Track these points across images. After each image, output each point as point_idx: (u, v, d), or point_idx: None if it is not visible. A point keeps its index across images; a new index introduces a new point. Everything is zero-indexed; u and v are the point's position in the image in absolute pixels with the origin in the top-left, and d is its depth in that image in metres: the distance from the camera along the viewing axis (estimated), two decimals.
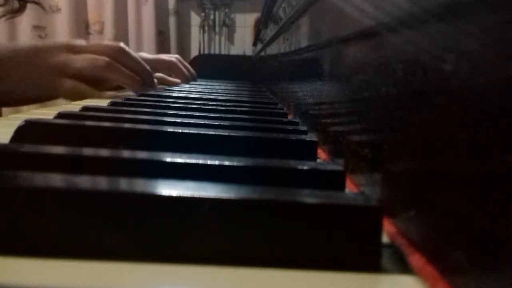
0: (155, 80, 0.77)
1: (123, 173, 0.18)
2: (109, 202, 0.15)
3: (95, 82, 0.65)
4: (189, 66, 1.07)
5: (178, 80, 0.98)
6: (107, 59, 0.63)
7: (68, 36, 1.93)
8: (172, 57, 1.01)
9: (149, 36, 2.04)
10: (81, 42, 0.66)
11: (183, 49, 2.13)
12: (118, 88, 0.75)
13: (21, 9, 0.77)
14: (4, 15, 0.75)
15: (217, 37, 2.22)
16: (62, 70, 0.61)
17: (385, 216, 0.18)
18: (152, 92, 0.64)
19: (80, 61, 0.62)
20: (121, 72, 0.65)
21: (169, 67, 0.95)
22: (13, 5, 0.76)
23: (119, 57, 0.65)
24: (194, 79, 1.05)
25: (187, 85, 0.90)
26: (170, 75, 0.98)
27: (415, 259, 0.15)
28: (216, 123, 0.34)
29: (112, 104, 0.45)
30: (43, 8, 0.89)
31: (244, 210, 0.15)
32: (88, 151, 0.22)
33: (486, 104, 0.12)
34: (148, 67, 0.71)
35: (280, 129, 0.34)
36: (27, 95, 0.63)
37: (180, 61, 1.01)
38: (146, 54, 0.93)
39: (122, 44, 0.67)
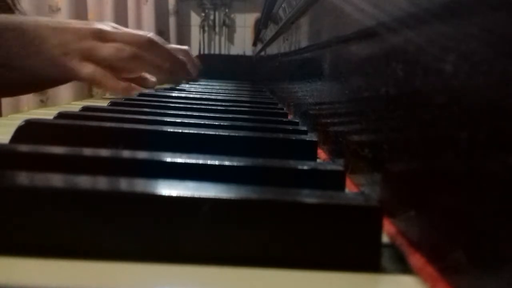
0: (152, 79, 0.75)
1: (123, 173, 0.18)
2: (109, 202, 0.15)
3: (119, 70, 0.63)
4: (195, 60, 1.06)
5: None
6: (133, 49, 0.61)
7: None
8: (183, 48, 1.00)
9: None
10: (110, 29, 0.63)
11: None
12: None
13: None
14: None
15: (217, 37, 2.22)
16: (87, 56, 0.60)
17: (385, 216, 0.18)
18: (152, 92, 0.64)
19: (106, 49, 0.60)
20: (146, 63, 0.63)
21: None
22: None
23: (147, 48, 0.63)
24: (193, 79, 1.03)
25: (187, 85, 0.90)
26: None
27: (415, 259, 0.15)
28: (216, 123, 0.34)
29: (112, 104, 0.45)
30: (13, 12, 0.86)
31: (244, 210, 0.15)
32: (88, 151, 0.22)
33: (486, 104, 0.12)
34: (180, 58, 0.68)
35: (280, 129, 0.34)
36: (45, 73, 0.60)
37: (189, 56, 1.00)
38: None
39: (151, 35, 0.65)
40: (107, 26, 0.63)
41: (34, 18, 0.64)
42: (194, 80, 1.00)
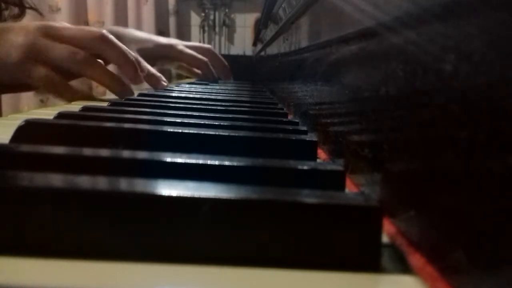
0: (162, 79, 0.72)
1: (123, 173, 0.18)
2: (109, 202, 0.15)
3: (69, 76, 0.58)
4: (223, 61, 1.04)
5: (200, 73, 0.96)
6: (86, 54, 0.55)
7: None
8: (206, 47, 0.98)
9: None
10: (59, 25, 0.57)
11: None
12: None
13: (21, 15, 0.76)
14: (5, 20, 0.74)
15: (217, 37, 2.22)
16: (36, 55, 0.54)
17: (385, 216, 0.18)
18: (152, 92, 0.64)
19: (57, 50, 0.54)
20: (101, 70, 0.57)
21: (199, 66, 0.93)
22: (14, 11, 0.75)
23: (100, 47, 0.57)
24: (216, 81, 0.99)
25: (186, 85, 0.90)
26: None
27: (415, 259, 0.15)
28: (216, 123, 0.34)
29: (112, 104, 0.45)
30: (40, 13, 0.85)
31: (244, 210, 0.15)
32: (88, 151, 0.22)
33: (486, 104, 0.12)
34: (132, 59, 0.60)
35: (280, 129, 0.34)
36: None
37: (214, 56, 0.98)
38: (181, 46, 0.88)
39: (104, 31, 0.58)
40: (58, 23, 0.58)
41: None
42: (216, 81, 0.98)
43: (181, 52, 0.87)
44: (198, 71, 0.96)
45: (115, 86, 0.59)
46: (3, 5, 0.72)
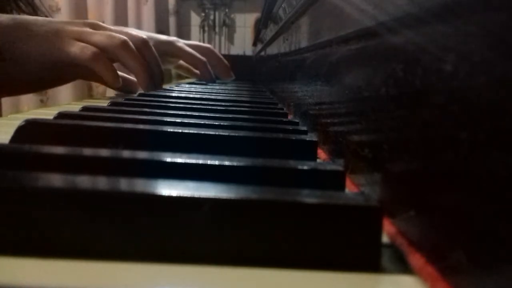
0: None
1: (123, 173, 0.18)
2: (109, 202, 0.15)
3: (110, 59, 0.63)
4: (223, 60, 1.04)
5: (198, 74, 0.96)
6: (125, 38, 0.60)
7: None
8: (205, 47, 0.98)
9: None
10: (106, 25, 0.64)
11: None
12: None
13: None
14: None
15: (217, 37, 2.22)
16: (77, 36, 0.59)
17: (385, 216, 0.18)
18: (152, 92, 0.64)
19: (98, 34, 0.60)
20: (135, 56, 0.62)
21: (197, 65, 0.93)
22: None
23: (139, 46, 0.63)
24: (213, 81, 1.00)
25: (186, 85, 0.90)
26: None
27: (415, 259, 0.15)
28: (216, 123, 0.34)
29: (112, 104, 0.45)
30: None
31: (244, 210, 0.15)
32: (88, 151, 0.22)
33: (486, 104, 0.12)
34: (163, 68, 0.68)
35: (280, 129, 0.34)
36: (40, 57, 0.59)
37: (213, 55, 0.98)
38: (181, 43, 0.88)
39: (145, 36, 0.65)
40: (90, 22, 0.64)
41: (29, 16, 0.65)
42: (214, 81, 0.97)
43: (180, 49, 0.87)
44: (197, 71, 0.95)
45: (143, 74, 0.63)
46: (14, 11, 0.73)
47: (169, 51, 0.86)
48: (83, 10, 2.02)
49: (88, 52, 0.58)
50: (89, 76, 0.67)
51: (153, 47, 0.66)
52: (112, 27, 0.64)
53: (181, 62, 0.93)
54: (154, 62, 0.66)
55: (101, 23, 0.63)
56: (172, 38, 0.89)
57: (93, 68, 0.59)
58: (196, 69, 0.94)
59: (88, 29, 0.60)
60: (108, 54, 0.60)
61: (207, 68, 0.93)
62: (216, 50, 1.03)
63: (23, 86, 0.65)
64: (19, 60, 0.58)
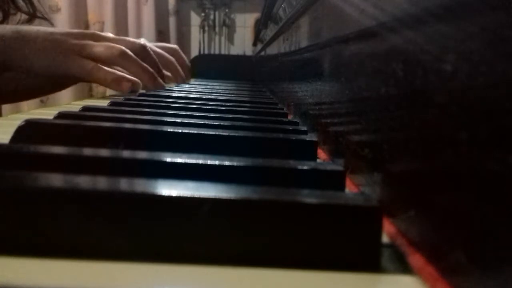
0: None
1: (123, 173, 0.18)
2: (109, 202, 0.15)
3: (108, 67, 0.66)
4: (186, 61, 1.05)
5: (171, 76, 0.96)
6: (122, 48, 0.63)
7: None
8: (172, 47, 0.99)
9: (149, 36, 2.04)
10: (106, 34, 0.67)
11: (183, 49, 2.12)
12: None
13: (29, 21, 0.78)
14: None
15: (217, 37, 2.22)
16: (78, 51, 0.61)
17: (385, 216, 0.18)
18: (152, 92, 0.64)
19: (97, 46, 0.62)
20: (135, 62, 0.65)
21: (166, 65, 0.93)
22: (22, 17, 0.77)
23: (138, 52, 0.66)
24: (184, 81, 1.02)
25: (186, 85, 0.90)
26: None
27: (415, 259, 0.15)
28: (216, 123, 0.34)
29: (112, 104, 0.45)
30: (51, 23, 0.88)
31: (244, 210, 0.15)
32: (88, 151, 0.22)
33: (486, 104, 0.12)
34: (151, 71, 0.70)
35: (280, 129, 0.34)
36: (46, 72, 0.62)
37: (179, 56, 0.99)
38: (149, 44, 0.90)
39: (143, 42, 0.68)
40: (106, 34, 0.67)
41: (31, 26, 0.66)
42: (184, 81, 0.97)
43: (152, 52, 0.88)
44: (167, 73, 0.95)
45: (147, 78, 0.67)
46: (12, 10, 0.74)
47: (138, 55, 0.87)
48: (83, 10, 2.02)
49: (88, 68, 0.61)
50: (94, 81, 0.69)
51: (150, 51, 0.69)
52: (111, 36, 0.67)
53: None
54: (153, 64, 0.69)
55: (100, 33, 0.66)
56: (140, 41, 0.89)
57: (95, 81, 0.62)
58: (167, 69, 0.93)
59: (88, 42, 0.62)
60: (109, 63, 0.63)
61: (177, 68, 0.94)
62: (181, 52, 1.03)
63: (23, 95, 0.67)
64: (22, 73, 0.60)
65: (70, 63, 0.61)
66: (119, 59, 0.63)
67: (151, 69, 0.68)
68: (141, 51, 0.68)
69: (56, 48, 0.60)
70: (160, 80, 0.70)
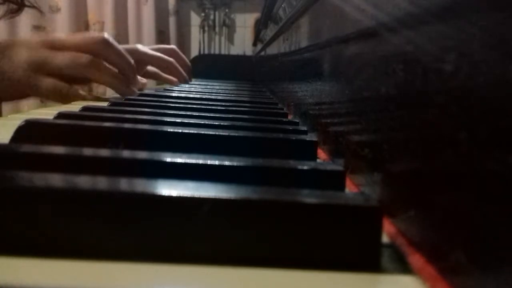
0: (143, 80, 0.72)
1: (123, 173, 0.18)
2: (109, 202, 0.15)
3: (76, 81, 0.61)
4: (186, 61, 1.04)
5: (174, 79, 0.93)
6: (89, 57, 0.57)
7: None
8: (170, 48, 0.97)
9: (149, 36, 2.04)
10: (60, 36, 0.60)
11: (183, 49, 2.12)
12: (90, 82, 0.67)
13: (18, 11, 0.76)
14: (3, 16, 0.74)
15: (217, 37, 2.22)
16: (40, 67, 0.56)
17: (385, 216, 0.18)
18: (152, 92, 0.64)
19: (60, 58, 0.56)
20: (105, 71, 0.59)
21: (167, 67, 0.92)
22: (11, 7, 0.75)
23: (102, 51, 0.59)
24: (187, 81, 1.00)
25: (186, 85, 0.90)
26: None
27: (415, 259, 0.15)
28: (216, 123, 0.34)
29: (112, 104, 0.45)
30: (40, 11, 0.85)
31: (244, 210, 0.15)
32: (88, 151, 0.22)
33: (486, 104, 0.12)
34: (132, 62, 0.63)
35: (280, 129, 0.34)
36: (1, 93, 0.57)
37: (178, 56, 0.97)
38: (145, 48, 0.88)
39: (105, 35, 0.60)
40: (60, 35, 0.61)
41: None
42: (186, 81, 0.96)
43: (145, 53, 0.84)
44: (166, 76, 0.93)
45: (120, 85, 0.61)
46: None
47: (134, 59, 0.85)
48: (83, 10, 2.02)
49: (62, 90, 0.56)
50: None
51: (114, 42, 0.61)
52: (67, 40, 0.59)
53: (148, 68, 0.89)
54: (119, 60, 0.61)
55: (54, 39, 0.59)
56: (134, 45, 0.86)
57: (61, 102, 0.57)
58: (165, 71, 0.92)
59: (45, 55, 0.56)
60: (78, 75, 0.58)
61: (178, 68, 0.92)
62: (179, 51, 1.02)
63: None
64: None
65: (37, 85, 0.55)
66: (86, 69, 0.57)
67: (120, 78, 0.61)
68: (103, 48, 0.59)
69: (11, 66, 0.55)
70: (131, 83, 0.63)
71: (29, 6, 0.77)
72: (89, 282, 0.13)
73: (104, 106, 0.42)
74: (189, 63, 1.05)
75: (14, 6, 0.74)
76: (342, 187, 0.22)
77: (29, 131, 0.27)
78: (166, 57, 0.89)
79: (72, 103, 0.56)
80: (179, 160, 0.21)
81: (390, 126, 0.20)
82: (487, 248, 0.12)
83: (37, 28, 1.93)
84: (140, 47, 0.84)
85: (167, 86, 0.83)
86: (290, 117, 0.47)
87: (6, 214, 0.14)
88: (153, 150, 0.22)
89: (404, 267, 0.15)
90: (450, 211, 0.14)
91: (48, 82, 0.56)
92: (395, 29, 0.20)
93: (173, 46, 1.01)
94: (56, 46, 0.57)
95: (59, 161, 0.21)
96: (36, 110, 0.50)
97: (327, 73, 0.34)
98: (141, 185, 0.16)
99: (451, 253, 0.13)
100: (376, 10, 0.23)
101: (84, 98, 0.59)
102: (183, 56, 1.03)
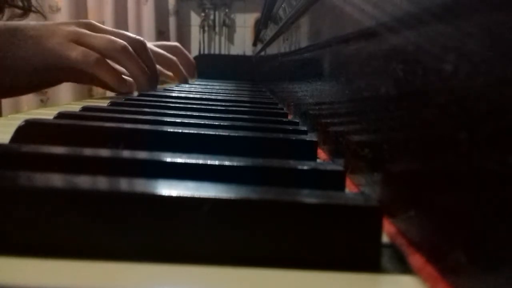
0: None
1: (123, 173, 0.18)
2: (109, 202, 0.15)
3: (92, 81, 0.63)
4: (190, 58, 1.03)
5: (174, 76, 0.94)
6: (125, 43, 0.60)
7: None
8: (174, 45, 0.97)
9: (149, 36, 2.04)
10: (102, 25, 0.64)
11: None
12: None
13: (23, 15, 0.77)
14: (8, 20, 0.75)
15: (217, 37, 2.22)
16: (73, 38, 0.57)
17: (385, 216, 0.18)
18: (152, 92, 0.64)
19: (98, 38, 0.59)
20: (135, 61, 0.62)
21: (169, 65, 0.92)
22: (16, 11, 0.75)
23: (137, 48, 0.63)
24: (187, 81, 1.00)
25: (186, 85, 0.90)
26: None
27: (415, 259, 0.15)
28: (216, 123, 0.34)
29: (112, 104, 0.45)
30: (44, 16, 0.86)
31: (244, 210, 0.15)
32: (88, 151, 0.22)
33: (486, 104, 0.12)
34: (157, 70, 0.68)
35: (280, 129, 0.34)
36: (34, 60, 0.58)
37: (181, 53, 0.97)
38: (149, 44, 0.88)
39: (143, 39, 0.65)
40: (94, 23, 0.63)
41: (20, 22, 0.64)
42: (187, 80, 0.96)
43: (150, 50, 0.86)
44: (168, 72, 0.93)
45: (143, 80, 0.64)
46: (6, 5, 0.73)
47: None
48: (83, 10, 2.02)
49: (92, 58, 0.57)
50: (87, 81, 0.67)
51: (149, 49, 0.66)
52: (108, 29, 0.64)
53: None
54: (150, 64, 0.66)
55: (96, 23, 0.63)
56: None
57: (98, 75, 0.58)
58: (168, 69, 0.92)
59: (85, 31, 0.59)
60: (109, 58, 0.60)
61: (180, 68, 0.92)
62: (183, 48, 1.01)
63: (5, 92, 0.64)
64: (10, 66, 0.57)
65: (69, 51, 0.57)
66: (120, 54, 0.59)
67: (147, 71, 0.65)
68: (140, 48, 0.64)
69: (49, 36, 0.57)
70: (151, 84, 0.67)
71: (34, 11, 0.77)
72: (89, 282, 0.13)
73: (104, 106, 0.42)
74: (193, 60, 1.05)
75: (19, 11, 0.75)
76: (342, 187, 0.22)
77: (29, 131, 0.27)
78: (169, 55, 0.89)
79: (72, 103, 0.56)
80: (179, 160, 0.21)
81: (390, 126, 0.20)
82: (487, 248, 0.12)
83: None
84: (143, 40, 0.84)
85: (167, 86, 0.83)
86: (290, 117, 0.47)
87: (6, 214, 0.14)
88: (153, 150, 0.22)
89: (404, 267, 0.15)
90: (450, 211, 0.14)
91: (80, 49, 0.57)
92: (395, 29, 0.20)
93: (176, 43, 1.01)
94: (96, 29, 0.60)
95: (59, 161, 0.21)
96: (36, 110, 0.50)
97: (327, 73, 0.34)
98: (141, 185, 0.16)
99: (451, 253, 0.13)
100: (376, 10, 0.23)
101: (122, 81, 0.61)
102: (187, 53, 1.03)
